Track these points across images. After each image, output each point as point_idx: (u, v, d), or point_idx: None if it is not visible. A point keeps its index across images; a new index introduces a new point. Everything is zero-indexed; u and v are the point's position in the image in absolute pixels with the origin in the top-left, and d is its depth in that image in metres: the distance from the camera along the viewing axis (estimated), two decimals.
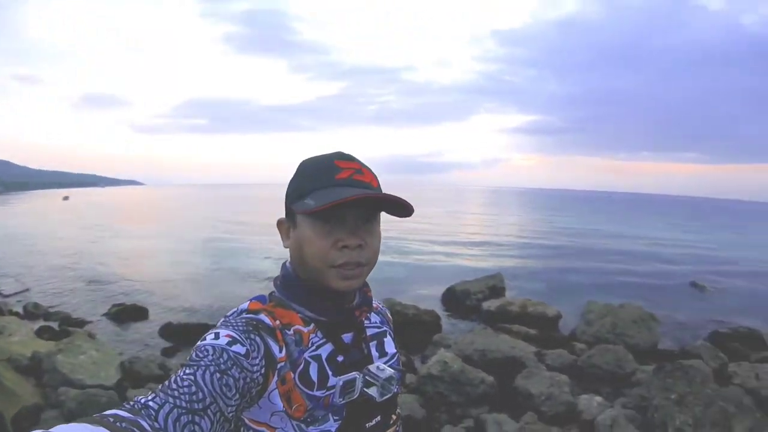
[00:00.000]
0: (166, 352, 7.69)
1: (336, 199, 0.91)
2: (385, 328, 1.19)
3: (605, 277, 15.99)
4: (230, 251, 18.08)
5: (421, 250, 18.92)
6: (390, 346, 1.17)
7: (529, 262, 18.81)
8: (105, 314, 9.60)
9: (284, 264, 1.10)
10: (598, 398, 5.69)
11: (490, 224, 35.13)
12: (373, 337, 1.14)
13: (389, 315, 1.28)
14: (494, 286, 11.81)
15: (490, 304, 10.44)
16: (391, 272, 14.37)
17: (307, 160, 1.06)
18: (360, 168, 1.02)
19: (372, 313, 1.18)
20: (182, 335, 8.37)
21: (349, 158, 1.02)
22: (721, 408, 4.67)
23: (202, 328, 8.66)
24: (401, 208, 1.01)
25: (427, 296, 11.75)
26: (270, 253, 17.40)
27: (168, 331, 8.60)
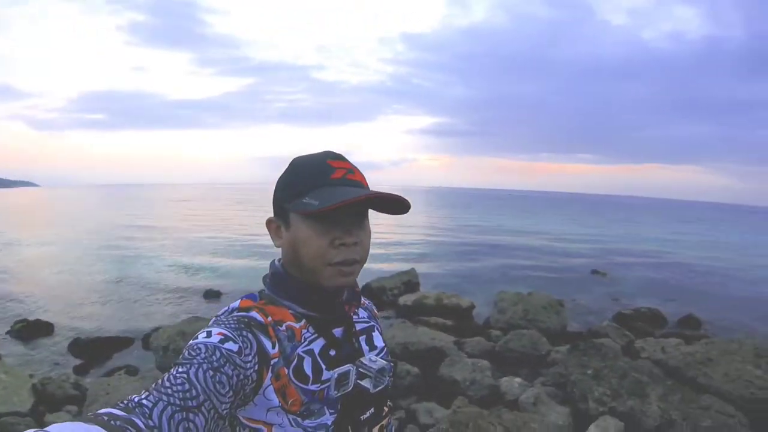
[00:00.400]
0: (79, 370, 7.02)
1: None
2: (372, 323, 1.21)
3: (512, 268, 16.57)
4: (133, 258, 16.98)
5: None
6: (378, 340, 1.19)
7: (440, 257, 19.13)
8: (8, 332, 8.62)
9: (273, 262, 1.11)
10: (518, 379, 5.81)
11: (399, 222, 35.55)
12: (362, 331, 1.16)
13: (375, 311, 1.30)
14: (409, 281, 11.90)
15: (407, 299, 10.47)
16: None
17: (298, 158, 1.06)
18: (351, 168, 1.03)
19: (359, 308, 1.19)
20: (93, 350, 7.74)
21: (340, 158, 1.04)
22: (635, 378, 4.87)
23: (114, 342, 8.07)
24: (396, 206, 1.03)
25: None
26: (173, 260, 16.56)
27: (77, 347, 7.87)
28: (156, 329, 7.64)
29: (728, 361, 5.23)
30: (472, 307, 10.13)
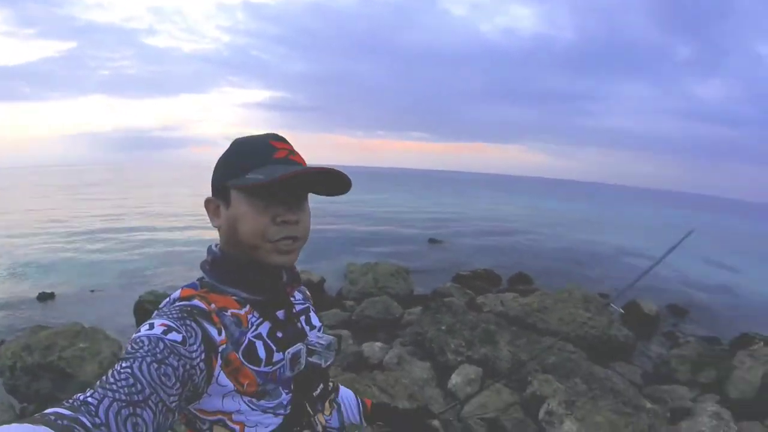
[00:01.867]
0: None
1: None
2: (308, 304, 1.23)
3: (355, 241, 16.99)
4: None
5: (172, 238, 17.76)
6: (315, 320, 1.21)
7: None
8: None
9: (210, 247, 1.09)
10: (378, 343, 6.04)
11: None
12: (301, 312, 1.17)
13: (308, 292, 1.31)
14: None
15: None
16: (144, 262, 13.27)
17: (240, 138, 1.07)
18: (293, 150, 1.04)
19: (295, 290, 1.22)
20: None
21: (282, 140, 1.05)
22: (485, 328, 5.32)
23: None
24: (336, 186, 1.04)
25: (185, 278, 11.02)
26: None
27: None
28: None
29: (561, 308, 5.92)
30: (323, 280, 10.23)
